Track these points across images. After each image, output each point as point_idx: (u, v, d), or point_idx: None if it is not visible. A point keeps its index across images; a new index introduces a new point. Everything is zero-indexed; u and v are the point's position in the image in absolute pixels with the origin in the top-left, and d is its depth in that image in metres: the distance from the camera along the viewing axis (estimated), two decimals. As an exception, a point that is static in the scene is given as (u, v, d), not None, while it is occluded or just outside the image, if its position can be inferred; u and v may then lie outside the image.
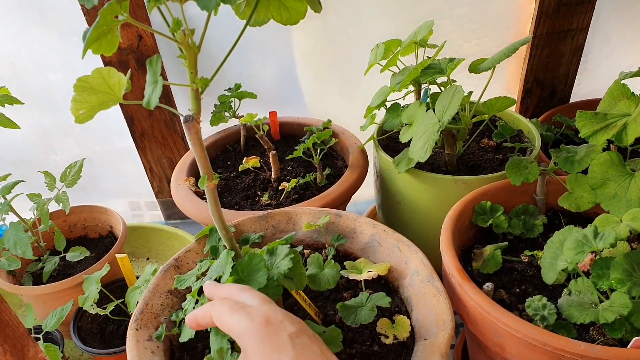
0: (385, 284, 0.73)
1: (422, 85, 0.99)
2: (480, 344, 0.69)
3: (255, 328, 0.42)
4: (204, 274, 0.63)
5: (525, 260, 0.72)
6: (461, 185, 0.86)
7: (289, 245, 0.59)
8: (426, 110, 0.83)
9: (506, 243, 0.74)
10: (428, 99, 0.96)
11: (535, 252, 0.71)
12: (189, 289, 0.67)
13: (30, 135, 1.09)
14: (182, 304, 0.59)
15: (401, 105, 0.94)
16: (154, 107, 0.39)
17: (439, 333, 0.59)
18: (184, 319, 0.61)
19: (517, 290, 0.69)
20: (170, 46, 1.05)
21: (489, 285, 0.66)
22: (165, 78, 1.06)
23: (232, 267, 0.55)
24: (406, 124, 0.90)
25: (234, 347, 0.51)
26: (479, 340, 0.66)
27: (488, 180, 0.85)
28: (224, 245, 0.70)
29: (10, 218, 0.84)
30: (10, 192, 0.79)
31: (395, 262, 0.71)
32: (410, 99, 1.01)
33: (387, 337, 0.63)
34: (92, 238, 1.03)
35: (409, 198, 0.92)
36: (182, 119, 0.44)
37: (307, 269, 0.67)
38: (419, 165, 0.90)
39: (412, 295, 0.67)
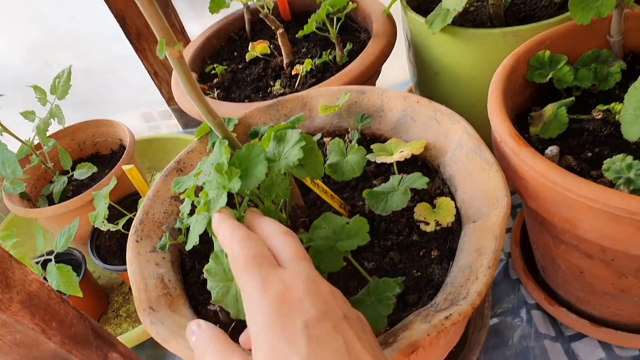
0: (423, 165, 0.61)
1: None
2: (543, 222, 0.57)
3: (265, 303, 0.32)
4: (204, 173, 0.54)
5: (599, 116, 0.58)
6: (511, 39, 0.71)
7: (299, 131, 0.48)
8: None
9: (572, 98, 0.59)
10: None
11: (612, 105, 0.56)
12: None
13: (21, 51, 1.00)
14: (180, 207, 0.51)
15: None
16: None
17: (491, 213, 0.48)
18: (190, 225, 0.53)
19: (589, 154, 0.56)
20: None
21: (552, 150, 0.53)
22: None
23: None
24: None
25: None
26: (542, 219, 0.55)
27: (545, 27, 0.68)
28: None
29: (5, 140, 0.77)
30: (-9, 109, 0.71)
31: (433, 137, 0.59)
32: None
33: (427, 223, 0.53)
34: (105, 155, 0.97)
35: (447, 66, 0.77)
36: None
37: (326, 160, 0.56)
38: (459, 23, 0.74)
39: (455, 173, 0.55)
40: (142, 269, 0.50)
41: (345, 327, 0.31)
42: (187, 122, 1.15)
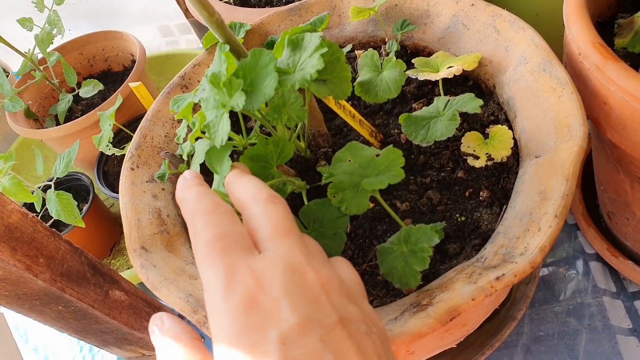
0: (475, 85, 0.50)
1: None
2: (622, 160, 0.46)
3: (228, 310, 0.23)
4: (208, 90, 0.45)
5: None
6: None
7: (320, 34, 0.38)
8: None
9: (679, 0, 0.46)
10: None
11: None
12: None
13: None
14: (177, 130, 0.42)
15: None
16: None
17: (561, 146, 0.38)
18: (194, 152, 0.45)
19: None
20: None
21: (650, 67, 0.41)
22: None
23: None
24: None
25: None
26: (622, 155, 0.44)
27: None
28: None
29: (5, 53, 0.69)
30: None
31: (489, 49, 0.47)
32: None
33: (476, 157, 0.43)
34: (117, 72, 0.89)
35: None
36: None
37: (357, 77, 0.46)
38: None
39: (516, 94, 0.44)
40: (136, 201, 0.43)
41: (339, 338, 0.23)
42: (207, 36, 1.05)
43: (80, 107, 0.79)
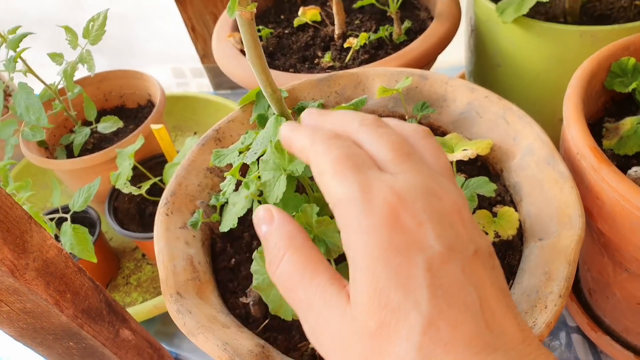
0: (483, 166, 0.56)
1: None
2: (607, 246, 0.52)
3: (370, 223, 0.22)
4: (249, 148, 0.49)
5: (687, 138, 0.52)
6: (588, 40, 0.64)
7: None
8: None
9: (659, 115, 0.53)
10: None
11: None
12: (230, 167, 0.53)
13: (52, -13, 0.94)
14: (221, 185, 0.46)
15: None
16: None
17: (562, 232, 0.43)
18: (225, 203, 0.49)
19: (672, 178, 0.50)
20: None
21: (637, 171, 0.48)
22: None
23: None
24: (518, -47, 0.66)
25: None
26: (608, 242, 0.50)
27: (627, 31, 0.62)
28: (274, 113, 0.55)
29: (31, 83, 0.72)
30: (19, 47, 0.66)
31: (499, 138, 0.53)
32: None
33: (485, 234, 0.48)
34: (131, 108, 0.91)
35: (513, 58, 0.71)
36: None
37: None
38: (530, 15, 0.67)
39: (522, 181, 0.50)
40: (171, 247, 0.46)
41: (477, 270, 0.22)
42: (220, 83, 1.09)
43: (92, 140, 0.81)
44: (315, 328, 0.24)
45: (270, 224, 0.26)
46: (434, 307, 0.21)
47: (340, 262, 0.40)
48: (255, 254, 0.38)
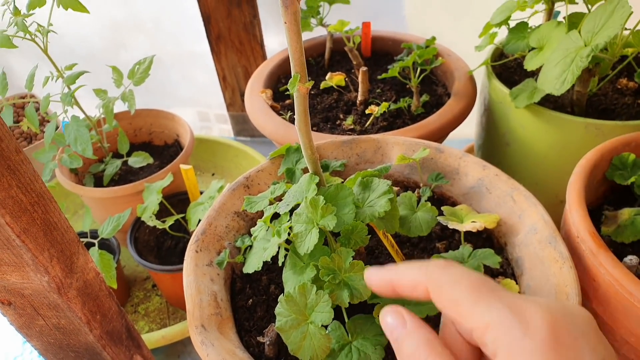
0: (488, 239, 0.60)
1: (555, 5, 0.81)
2: (602, 328, 0.55)
3: (536, 339, 0.24)
4: (277, 199, 0.53)
5: (678, 233, 0.57)
6: (592, 132, 0.70)
7: (388, 182, 0.48)
8: (567, 32, 0.66)
9: (652, 208, 0.58)
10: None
11: (695, 224, 0.55)
12: (258, 214, 0.58)
13: (101, 28, 1.01)
14: (251, 230, 0.50)
15: (529, 26, 0.77)
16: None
17: (559, 309, 0.46)
18: (250, 245, 0.53)
19: (663, 269, 0.54)
20: None
21: (632, 259, 0.52)
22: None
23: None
24: (533, 49, 0.73)
25: (320, 286, 0.42)
26: (605, 325, 0.53)
27: (630, 128, 0.68)
28: (302, 170, 0.60)
29: (74, 113, 0.77)
30: (75, 83, 0.71)
31: (505, 214, 0.58)
32: (537, 20, 0.82)
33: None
34: (157, 145, 0.97)
35: (521, 140, 0.76)
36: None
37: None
38: (540, 102, 0.74)
39: (524, 256, 0.54)
40: (199, 282, 0.49)
41: None
42: (240, 130, 1.16)
43: (119, 172, 0.86)
44: None
45: (403, 327, 0.28)
46: None
47: (355, 309, 0.43)
48: (281, 298, 0.42)
